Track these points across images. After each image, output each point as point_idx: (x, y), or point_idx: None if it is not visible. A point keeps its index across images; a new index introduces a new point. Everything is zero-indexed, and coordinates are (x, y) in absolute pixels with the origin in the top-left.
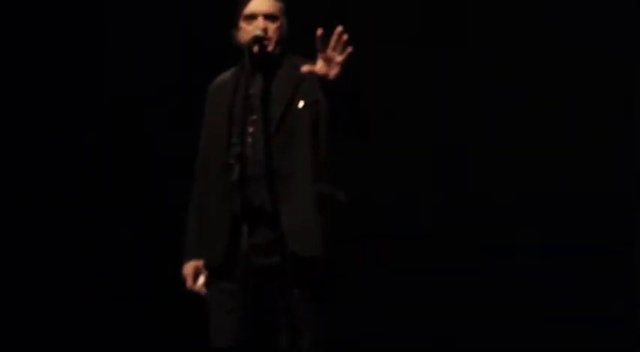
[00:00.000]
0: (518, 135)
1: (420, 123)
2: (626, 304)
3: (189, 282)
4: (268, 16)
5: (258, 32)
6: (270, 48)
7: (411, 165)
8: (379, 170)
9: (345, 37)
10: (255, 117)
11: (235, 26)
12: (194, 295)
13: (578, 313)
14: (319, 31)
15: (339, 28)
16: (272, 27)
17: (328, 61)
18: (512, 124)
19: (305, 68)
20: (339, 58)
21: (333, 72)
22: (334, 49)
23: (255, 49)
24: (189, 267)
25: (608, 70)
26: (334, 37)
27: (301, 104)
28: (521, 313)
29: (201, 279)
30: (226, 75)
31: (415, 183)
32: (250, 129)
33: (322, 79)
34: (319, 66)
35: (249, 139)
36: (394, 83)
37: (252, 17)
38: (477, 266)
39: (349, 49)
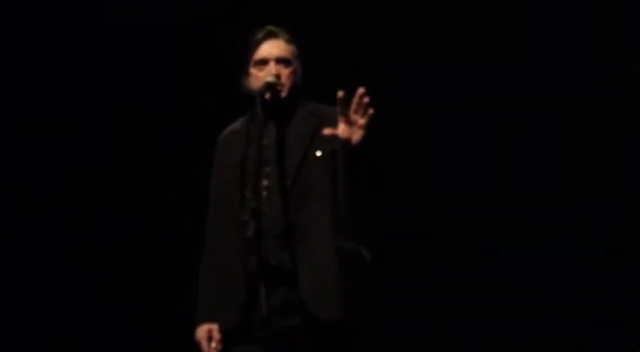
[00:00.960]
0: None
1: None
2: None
3: (204, 347)
4: (280, 61)
5: (271, 78)
6: (283, 94)
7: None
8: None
9: (366, 99)
10: (269, 169)
11: (245, 72)
12: None
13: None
14: (340, 94)
15: (361, 90)
16: (285, 72)
17: (350, 124)
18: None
19: (326, 132)
20: (361, 121)
21: (356, 136)
22: (356, 111)
23: (268, 96)
24: (202, 331)
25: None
26: (355, 100)
27: (318, 153)
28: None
29: (213, 344)
30: (236, 124)
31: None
32: (265, 183)
33: (345, 143)
34: (341, 129)
35: (264, 193)
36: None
37: (264, 62)
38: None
39: (371, 112)
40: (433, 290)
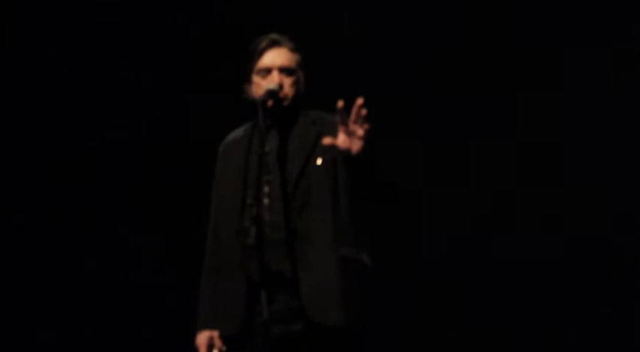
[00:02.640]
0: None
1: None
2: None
3: None
4: (284, 70)
5: (273, 86)
6: (285, 103)
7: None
8: None
9: (364, 111)
10: (270, 176)
11: (247, 80)
12: None
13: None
14: (340, 103)
15: (359, 101)
16: (288, 81)
17: (350, 135)
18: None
19: (326, 141)
20: (360, 132)
21: (356, 147)
22: (355, 122)
23: (270, 103)
24: (202, 338)
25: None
26: (354, 110)
27: (319, 161)
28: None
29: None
30: (239, 132)
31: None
32: (266, 190)
33: (345, 154)
34: (341, 139)
35: (266, 200)
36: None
37: (267, 71)
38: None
39: (366, 126)
40: (433, 290)
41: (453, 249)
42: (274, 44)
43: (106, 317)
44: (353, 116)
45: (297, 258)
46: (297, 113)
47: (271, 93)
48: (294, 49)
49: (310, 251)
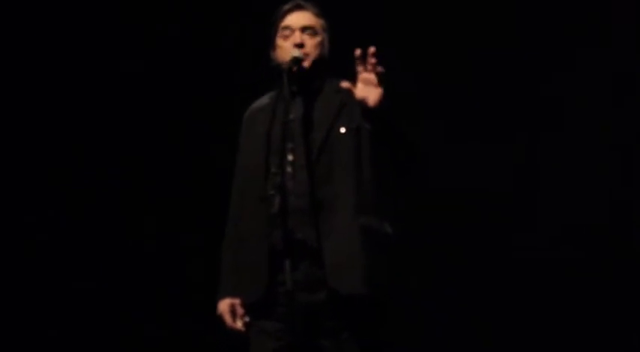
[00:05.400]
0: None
1: None
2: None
3: (228, 320)
4: (306, 29)
5: (297, 53)
6: (306, 63)
7: None
8: None
9: (373, 59)
10: (294, 144)
11: (271, 46)
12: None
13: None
14: (357, 52)
15: (372, 49)
16: (310, 42)
17: (367, 84)
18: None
19: (344, 84)
20: (373, 79)
21: (373, 97)
22: (370, 70)
23: (294, 69)
24: (224, 305)
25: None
26: (368, 59)
27: (343, 130)
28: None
29: (245, 319)
30: (263, 100)
31: None
32: (290, 158)
33: (362, 104)
34: (359, 89)
35: (289, 169)
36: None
37: (289, 29)
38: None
39: (379, 69)
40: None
41: (474, 222)
42: (298, 7)
43: (127, 287)
44: (367, 65)
45: (321, 226)
46: (322, 80)
47: (296, 61)
48: (319, 14)
49: (333, 219)
